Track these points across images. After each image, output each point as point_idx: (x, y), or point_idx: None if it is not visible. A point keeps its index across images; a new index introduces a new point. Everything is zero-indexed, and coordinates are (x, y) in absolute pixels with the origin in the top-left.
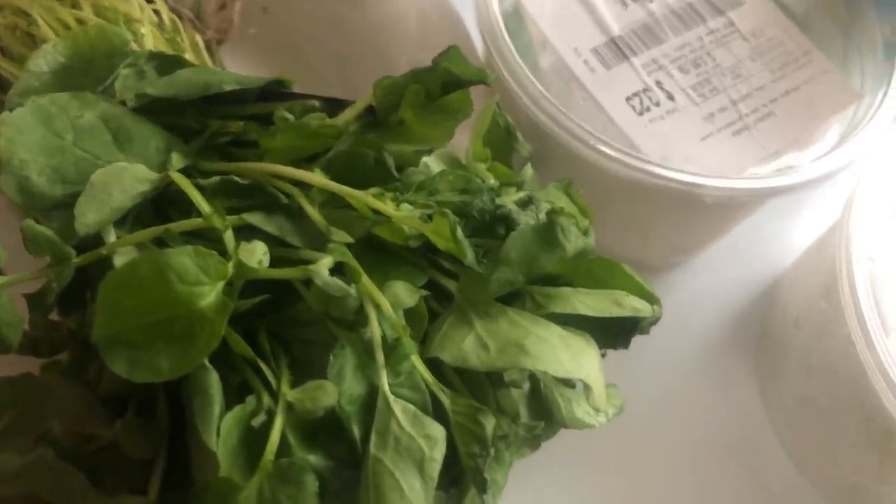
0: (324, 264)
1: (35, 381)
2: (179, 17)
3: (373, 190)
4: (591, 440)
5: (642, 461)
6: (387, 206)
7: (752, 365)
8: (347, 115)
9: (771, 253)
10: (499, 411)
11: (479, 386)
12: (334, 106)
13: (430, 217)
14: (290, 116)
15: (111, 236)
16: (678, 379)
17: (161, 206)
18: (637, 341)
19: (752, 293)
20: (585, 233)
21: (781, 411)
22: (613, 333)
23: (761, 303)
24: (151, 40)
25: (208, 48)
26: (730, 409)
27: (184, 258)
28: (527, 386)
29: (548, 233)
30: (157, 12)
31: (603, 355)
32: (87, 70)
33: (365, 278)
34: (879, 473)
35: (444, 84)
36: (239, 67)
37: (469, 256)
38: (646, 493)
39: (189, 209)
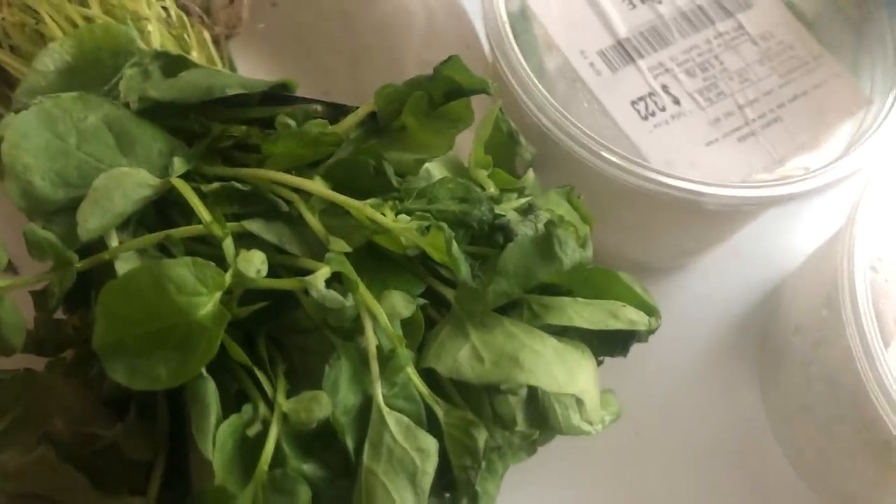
0: (320, 276)
1: (38, 378)
2: (188, 13)
3: (372, 200)
4: (589, 444)
5: (642, 466)
6: (384, 218)
7: (753, 370)
8: (349, 121)
9: (774, 256)
10: (494, 417)
11: (475, 393)
12: (337, 111)
13: (427, 229)
14: (291, 123)
15: (113, 241)
16: (679, 383)
17: (165, 208)
18: (637, 344)
19: (754, 297)
20: (583, 245)
21: (782, 418)
22: (611, 342)
23: (763, 307)
24: (158, 37)
25: (216, 43)
26: (731, 414)
27: (182, 269)
28: (524, 392)
29: (545, 245)
30: (165, 8)
31: (600, 362)
32: (93, 69)
33: (362, 288)
34: (877, 483)
35: (447, 92)
36: (247, 62)
37: (464, 272)
38: (645, 499)
39: (192, 212)
